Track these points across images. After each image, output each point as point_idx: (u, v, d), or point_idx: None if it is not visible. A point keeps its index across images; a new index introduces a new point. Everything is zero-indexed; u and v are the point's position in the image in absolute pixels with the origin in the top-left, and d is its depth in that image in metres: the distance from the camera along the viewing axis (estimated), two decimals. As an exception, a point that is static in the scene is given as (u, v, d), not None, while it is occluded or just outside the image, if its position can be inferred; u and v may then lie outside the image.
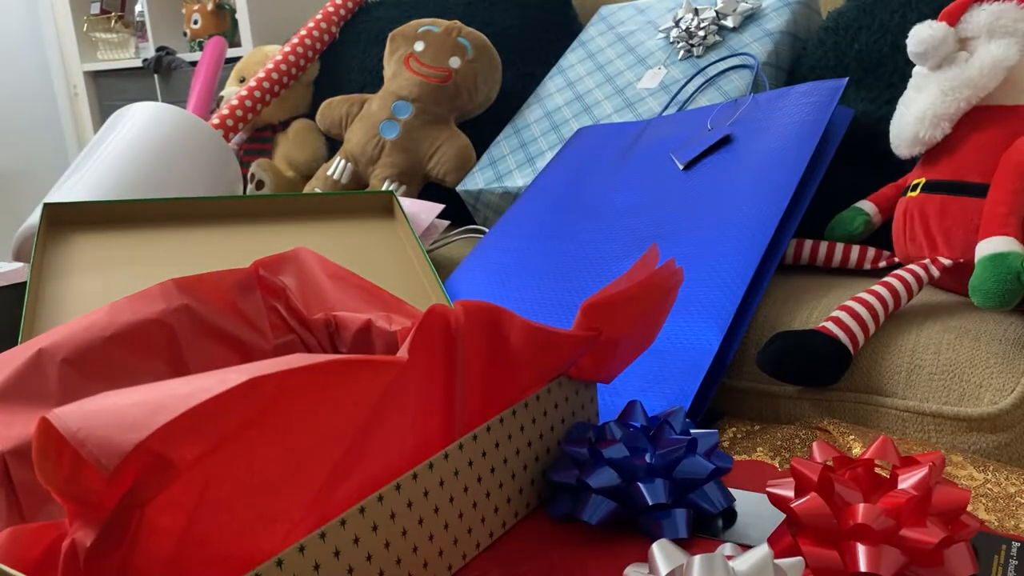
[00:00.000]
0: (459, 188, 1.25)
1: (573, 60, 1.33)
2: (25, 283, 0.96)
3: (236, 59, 1.73)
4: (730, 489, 0.57)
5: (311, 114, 1.54)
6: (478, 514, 0.53)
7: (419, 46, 1.37)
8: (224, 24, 2.20)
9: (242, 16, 1.97)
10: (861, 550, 0.43)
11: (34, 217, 1.07)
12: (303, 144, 1.55)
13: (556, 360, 0.57)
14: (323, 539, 0.42)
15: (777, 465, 0.65)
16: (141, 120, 1.15)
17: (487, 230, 1.18)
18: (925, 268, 0.78)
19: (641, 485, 0.53)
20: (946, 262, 0.78)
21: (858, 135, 0.98)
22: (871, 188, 0.93)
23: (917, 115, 0.83)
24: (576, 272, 0.88)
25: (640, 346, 0.62)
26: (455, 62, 1.34)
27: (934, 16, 0.85)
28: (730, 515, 0.55)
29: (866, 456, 0.49)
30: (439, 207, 1.14)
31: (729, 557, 0.42)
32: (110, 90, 2.58)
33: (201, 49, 1.96)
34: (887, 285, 0.76)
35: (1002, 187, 0.75)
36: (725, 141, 0.94)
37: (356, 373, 0.41)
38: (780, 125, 0.92)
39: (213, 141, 1.18)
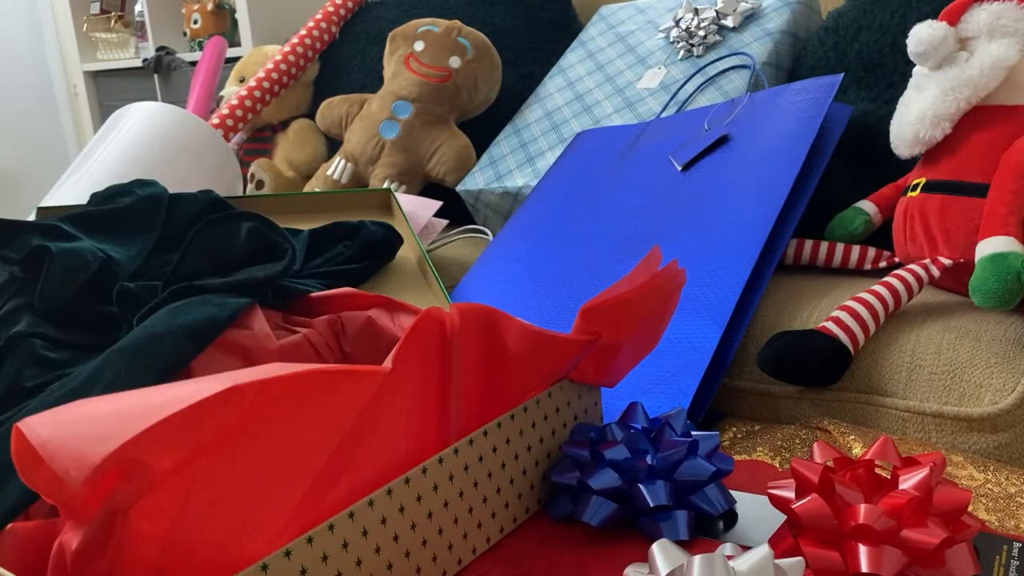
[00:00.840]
0: (459, 188, 1.25)
1: (573, 60, 1.32)
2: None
3: (236, 59, 1.73)
4: (731, 491, 0.57)
5: (311, 114, 1.54)
6: (475, 519, 0.52)
7: (419, 46, 1.36)
8: (224, 24, 2.19)
9: (242, 16, 1.97)
10: (862, 551, 0.43)
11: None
12: (303, 144, 1.55)
13: (555, 363, 0.56)
14: (310, 543, 0.41)
15: (777, 465, 0.65)
16: (141, 120, 1.15)
17: (487, 230, 1.18)
18: (925, 268, 0.78)
19: (642, 487, 0.53)
20: (946, 262, 0.78)
21: (858, 135, 0.98)
22: (871, 188, 0.93)
23: (917, 115, 0.83)
24: (583, 277, 0.88)
25: (643, 349, 0.62)
26: (455, 62, 1.34)
27: (934, 16, 0.85)
28: (731, 517, 0.55)
29: (867, 456, 0.49)
30: (436, 204, 1.14)
31: (729, 557, 0.42)
32: (110, 90, 2.58)
33: (201, 49, 1.96)
34: (887, 285, 0.76)
35: (1002, 187, 0.75)
36: (722, 141, 0.94)
37: (338, 383, 0.41)
38: (776, 123, 0.92)
39: (213, 141, 1.17)
